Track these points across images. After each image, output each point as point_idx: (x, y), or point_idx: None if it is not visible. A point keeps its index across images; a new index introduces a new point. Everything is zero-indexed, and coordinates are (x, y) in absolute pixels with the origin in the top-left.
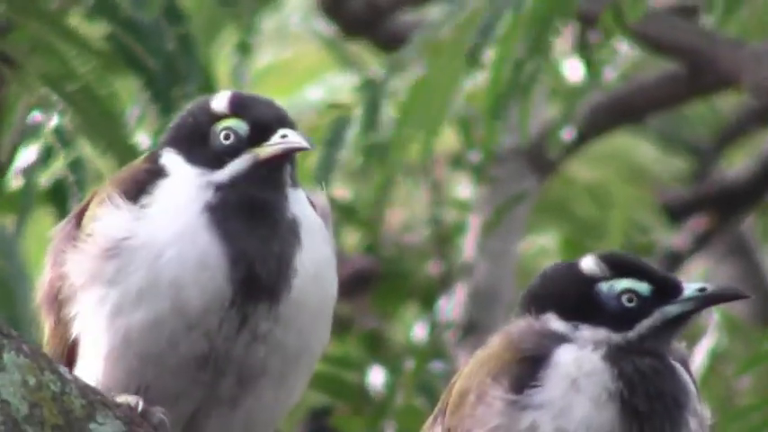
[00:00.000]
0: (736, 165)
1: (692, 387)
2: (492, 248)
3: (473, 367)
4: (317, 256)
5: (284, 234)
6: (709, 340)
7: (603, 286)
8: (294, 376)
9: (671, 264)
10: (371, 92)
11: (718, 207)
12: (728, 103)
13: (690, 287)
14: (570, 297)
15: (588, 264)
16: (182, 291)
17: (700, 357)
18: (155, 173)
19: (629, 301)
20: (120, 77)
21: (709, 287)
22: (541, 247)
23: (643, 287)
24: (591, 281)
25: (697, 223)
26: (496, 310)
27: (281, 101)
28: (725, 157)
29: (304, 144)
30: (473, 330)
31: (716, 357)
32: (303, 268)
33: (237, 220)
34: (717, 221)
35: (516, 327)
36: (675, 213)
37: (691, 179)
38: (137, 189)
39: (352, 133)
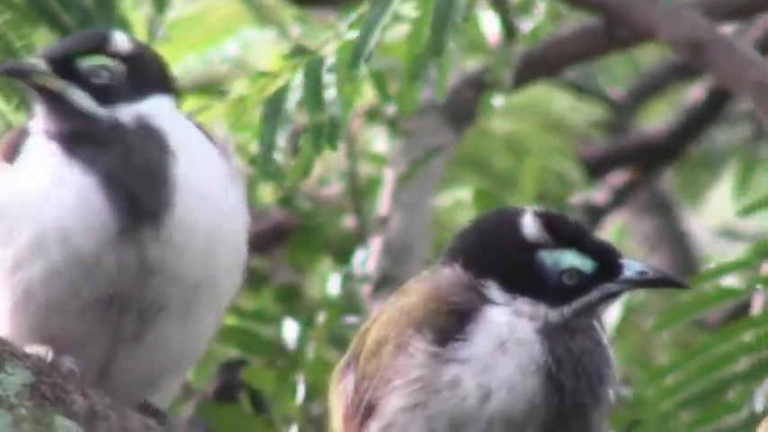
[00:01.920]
0: (655, 119)
1: (611, 356)
2: (407, 202)
3: (393, 315)
4: (201, 172)
5: (149, 147)
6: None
7: (546, 258)
8: (199, 311)
9: (590, 218)
10: (313, 69)
11: (638, 162)
12: (647, 57)
13: (630, 267)
14: (510, 264)
15: (530, 227)
16: (69, 236)
17: (615, 309)
18: (23, 133)
19: (571, 278)
20: (36, 30)
21: (651, 272)
22: (457, 200)
23: (586, 264)
24: (533, 248)
25: (616, 177)
26: (411, 264)
27: (195, 56)
28: (642, 111)
29: None
30: (387, 283)
31: (631, 310)
32: (184, 184)
33: (99, 149)
34: (636, 176)
35: (445, 277)
36: (595, 168)
37: (608, 131)
38: (11, 151)
39: (292, 105)
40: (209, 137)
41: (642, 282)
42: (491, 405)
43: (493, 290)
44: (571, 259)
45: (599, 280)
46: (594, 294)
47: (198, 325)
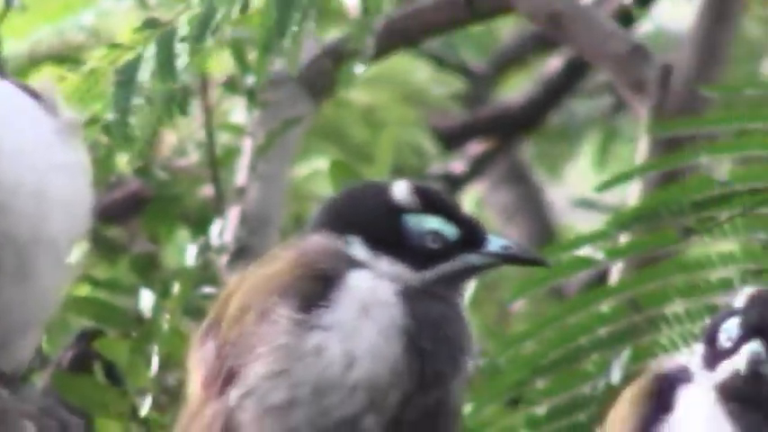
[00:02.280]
0: (514, 90)
1: (471, 328)
2: (264, 172)
3: (257, 281)
4: (22, 130)
5: None
6: None
7: (411, 220)
8: (37, 271)
9: (448, 188)
10: (165, 41)
11: (496, 132)
12: (506, 29)
13: (494, 241)
14: (375, 224)
15: (400, 192)
16: None
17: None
18: None
19: (434, 241)
20: None
21: (514, 247)
22: (314, 171)
23: (450, 231)
24: (399, 211)
25: (474, 148)
26: (268, 234)
27: (50, 26)
28: (501, 82)
29: None
30: (244, 254)
31: (487, 283)
32: (2, 143)
33: None
34: (494, 147)
35: (312, 244)
36: (453, 138)
37: (468, 103)
38: None
39: (145, 75)
40: (35, 95)
41: (505, 256)
42: (355, 372)
43: (357, 247)
44: (436, 224)
45: (462, 249)
46: (456, 263)
47: (37, 285)
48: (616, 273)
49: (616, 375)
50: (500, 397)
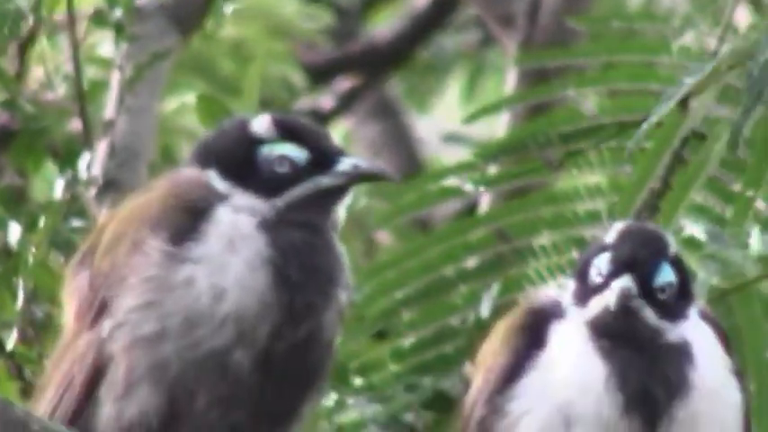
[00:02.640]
0: (382, 25)
1: (344, 261)
2: (132, 106)
3: (131, 211)
4: None
5: None
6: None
7: (265, 149)
8: None
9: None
10: None
11: (364, 67)
12: None
13: (345, 161)
14: (232, 156)
15: (259, 124)
16: None
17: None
18: None
19: (284, 166)
20: None
21: (363, 164)
22: (182, 105)
23: (300, 154)
24: (255, 142)
25: (342, 83)
26: (136, 167)
27: None
28: (370, 17)
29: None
30: (112, 187)
31: (355, 215)
32: None
33: None
34: (362, 82)
35: (184, 176)
36: (321, 73)
37: (336, 38)
38: None
39: None
40: None
41: (354, 174)
42: (224, 305)
43: (216, 181)
44: (285, 149)
45: (312, 172)
46: (307, 186)
47: None
48: (485, 204)
49: (485, 308)
50: (366, 329)
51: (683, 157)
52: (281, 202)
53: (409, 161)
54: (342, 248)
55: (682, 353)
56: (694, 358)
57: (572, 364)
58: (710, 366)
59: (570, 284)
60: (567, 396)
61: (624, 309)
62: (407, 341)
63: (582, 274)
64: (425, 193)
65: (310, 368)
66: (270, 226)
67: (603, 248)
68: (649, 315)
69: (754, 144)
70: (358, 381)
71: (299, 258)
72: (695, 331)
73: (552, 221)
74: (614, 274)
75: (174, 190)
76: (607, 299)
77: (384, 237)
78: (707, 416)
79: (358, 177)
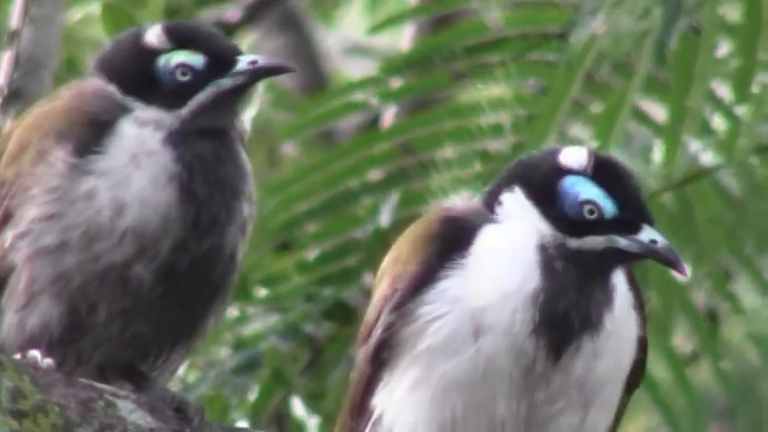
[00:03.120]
0: None
1: (248, 171)
2: (38, 16)
3: (36, 120)
4: None
5: None
6: (252, 109)
7: (162, 60)
8: None
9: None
10: None
11: None
12: None
13: (243, 60)
14: (130, 69)
15: (151, 35)
16: None
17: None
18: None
19: (183, 75)
20: None
21: (261, 60)
22: (86, 15)
23: (197, 60)
24: (151, 53)
25: None
26: (42, 78)
27: None
28: None
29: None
30: (18, 97)
31: (260, 125)
32: None
33: None
34: None
35: (89, 86)
36: None
37: None
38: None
39: None
40: None
41: (253, 71)
42: (124, 219)
43: (118, 94)
44: (181, 57)
45: (212, 76)
46: (210, 91)
47: None
48: (388, 116)
49: (385, 219)
50: (270, 241)
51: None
52: (185, 111)
53: (314, 74)
54: (246, 158)
55: (605, 287)
56: (613, 295)
57: (501, 270)
58: (621, 303)
59: (509, 198)
60: (484, 303)
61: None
62: (311, 253)
63: (543, 193)
64: (331, 107)
65: (213, 282)
66: (176, 139)
67: (566, 172)
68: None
69: (676, 65)
70: (262, 293)
71: (204, 172)
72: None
73: (456, 134)
74: (628, 221)
75: (78, 101)
76: (646, 248)
77: (288, 148)
78: (608, 351)
79: (259, 74)
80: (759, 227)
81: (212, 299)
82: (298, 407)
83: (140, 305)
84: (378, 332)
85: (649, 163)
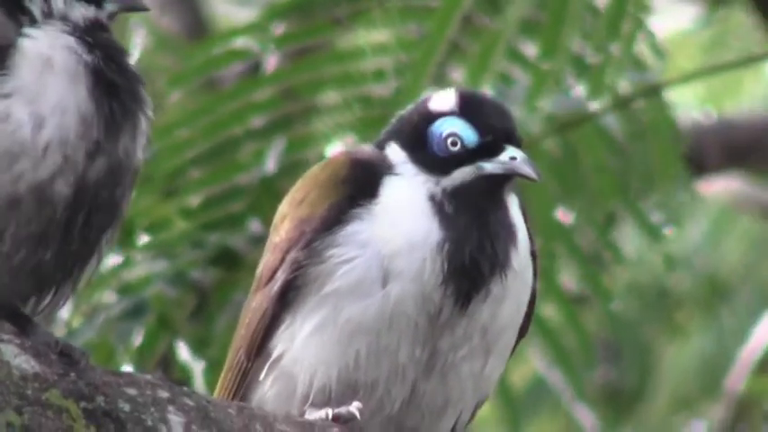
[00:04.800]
0: None
1: (144, 81)
2: None
3: None
4: None
5: None
6: (135, 53)
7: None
8: None
9: None
10: None
11: None
12: None
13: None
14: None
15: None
16: None
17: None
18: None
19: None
20: None
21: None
22: None
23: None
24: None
25: None
26: None
27: None
28: None
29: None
30: None
31: (142, 69)
32: None
33: None
34: None
35: None
36: None
37: None
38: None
39: None
40: None
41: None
42: (45, 131)
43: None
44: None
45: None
46: (109, 11)
47: None
48: (271, 63)
49: (271, 165)
50: (154, 187)
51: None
52: (88, 13)
53: (195, 20)
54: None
55: (510, 234)
56: (517, 239)
57: (406, 222)
58: (522, 248)
59: (394, 148)
60: (393, 249)
61: (486, 177)
62: (196, 200)
63: (415, 141)
64: (214, 55)
65: (116, 199)
66: (86, 32)
67: (437, 116)
68: (508, 188)
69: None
70: (146, 238)
71: (117, 60)
72: (516, 213)
73: (338, 80)
74: (490, 145)
75: None
76: (506, 167)
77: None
78: (512, 294)
79: (121, 9)
80: (643, 171)
81: (112, 219)
82: (183, 352)
83: (49, 229)
84: (283, 273)
85: (532, 109)
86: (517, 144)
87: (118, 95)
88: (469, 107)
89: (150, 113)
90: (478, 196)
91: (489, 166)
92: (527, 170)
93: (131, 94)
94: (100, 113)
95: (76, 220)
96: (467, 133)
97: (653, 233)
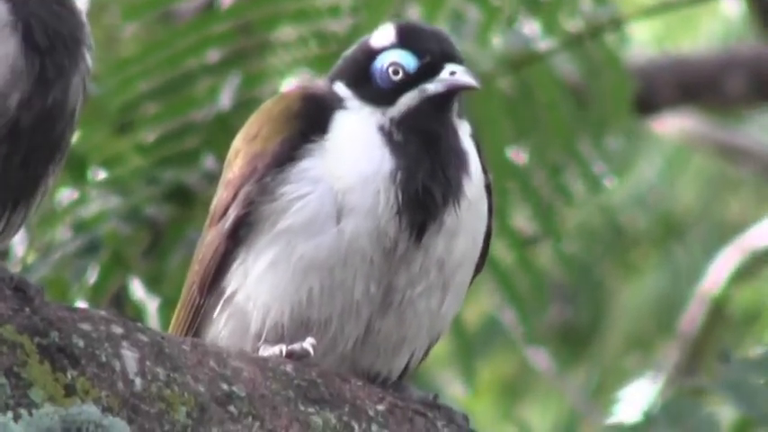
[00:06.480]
0: None
1: (85, 20)
2: None
3: None
4: None
5: None
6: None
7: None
8: None
9: None
10: None
11: None
12: None
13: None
14: None
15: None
16: None
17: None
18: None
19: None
20: None
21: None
22: None
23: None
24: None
25: None
26: None
27: None
28: None
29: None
30: None
31: (96, 2)
32: None
33: None
34: None
35: None
36: None
37: None
38: None
39: None
40: None
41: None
42: None
43: None
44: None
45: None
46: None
47: None
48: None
49: (225, 100)
50: (109, 122)
51: None
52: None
53: None
54: (81, 9)
55: (462, 160)
56: (470, 168)
57: (356, 156)
58: (476, 177)
59: (340, 87)
60: (345, 185)
61: (431, 102)
62: (151, 135)
63: (359, 79)
64: None
65: (55, 139)
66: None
67: (378, 52)
68: (455, 109)
69: None
70: (100, 174)
71: (44, 24)
72: (467, 141)
73: (294, 15)
74: (430, 66)
75: None
76: (447, 83)
77: (127, 28)
78: (467, 225)
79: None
80: (597, 110)
81: (53, 157)
82: (138, 289)
83: None
84: (235, 209)
85: (484, 44)
86: (458, 62)
87: (45, 51)
88: (408, 36)
89: (88, 58)
90: (426, 121)
91: (432, 87)
92: (467, 80)
93: (61, 51)
94: (29, 66)
95: (13, 159)
96: (407, 60)
97: (593, 184)
